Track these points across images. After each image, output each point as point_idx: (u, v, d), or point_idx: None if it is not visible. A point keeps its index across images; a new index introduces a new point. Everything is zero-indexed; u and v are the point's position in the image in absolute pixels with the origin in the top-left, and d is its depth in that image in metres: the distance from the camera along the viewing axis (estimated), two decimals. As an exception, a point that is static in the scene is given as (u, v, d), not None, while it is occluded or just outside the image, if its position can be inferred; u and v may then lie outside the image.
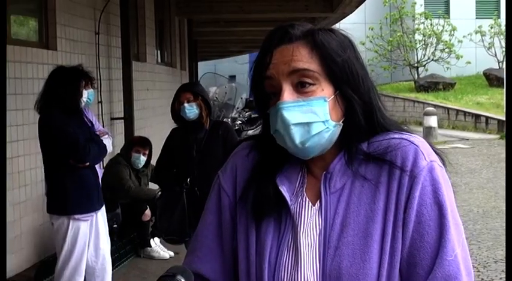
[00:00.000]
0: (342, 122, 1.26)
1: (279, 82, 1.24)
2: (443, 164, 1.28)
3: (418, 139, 1.27)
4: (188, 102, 4.41)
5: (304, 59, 1.23)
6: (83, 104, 4.40)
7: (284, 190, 1.29)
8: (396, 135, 1.27)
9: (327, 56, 1.24)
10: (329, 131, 1.24)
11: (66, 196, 4.07)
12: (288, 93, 1.23)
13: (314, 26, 1.30)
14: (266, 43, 1.28)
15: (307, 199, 1.29)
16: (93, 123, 5.02)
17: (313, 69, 1.23)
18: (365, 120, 1.26)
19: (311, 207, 1.28)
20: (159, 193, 6.08)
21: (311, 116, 1.23)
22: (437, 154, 1.29)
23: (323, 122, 1.23)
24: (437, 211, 1.22)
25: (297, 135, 1.23)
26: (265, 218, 1.29)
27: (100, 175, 5.09)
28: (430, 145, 1.29)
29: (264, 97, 1.29)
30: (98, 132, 4.93)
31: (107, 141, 4.99)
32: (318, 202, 1.28)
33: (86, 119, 4.84)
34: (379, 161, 1.25)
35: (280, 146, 1.28)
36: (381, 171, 1.25)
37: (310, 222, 1.27)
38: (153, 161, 6.27)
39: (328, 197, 1.27)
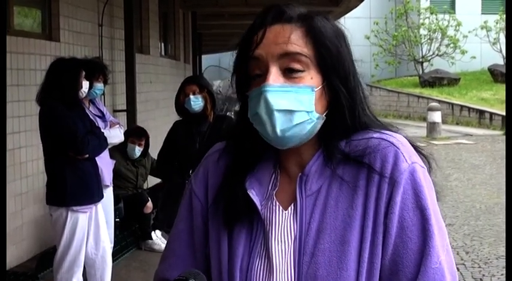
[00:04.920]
0: (325, 115, 1.20)
1: (266, 64, 1.17)
2: (428, 162, 1.24)
3: (398, 139, 1.21)
4: (194, 94, 4.41)
5: (299, 43, 1.17)
6: (83, 95, 4.38)
7: (253, 194, 1.22)
8: (375, 135, 1.21)
9: (322, 42, 1.18)
10: (311, 123, 1.18)
11: (65, 188, 4.05)
12: (274, 76, 1.16)
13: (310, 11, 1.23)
14: (259, 20, 1.20)
15: (277, 203, 1.23)
16: (104, 113, 5.02)
17: (306, 54, 1.17)
18: (348, 116, 1.21)
19: (282, 212, 1.22)
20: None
21: (296, 104, 1.16)
22: (419, 152, 1.24)
23: (307, 112, 1.17)
24: (420, 216, 1.16)
25: (279, 122, 1.15)
26: (237, 224, 1.23)
27: (112, 166, 5.09)
28: (412, 143, 1.24)
29: (246, 78, 1.21)
30: (109, 123, 4.94)
31: (118, 131, 5.00)
32: (292, 205, 1.22)
33: (93, 111, 4.84)
34: (357, 163, 1.19)
35: (255, 141, 1.22)
36: (359, 174, 1.19)
37: (282, 228, 1.21)
38: (153, 153, 6.27)
39: (304, 200, 1.20)
